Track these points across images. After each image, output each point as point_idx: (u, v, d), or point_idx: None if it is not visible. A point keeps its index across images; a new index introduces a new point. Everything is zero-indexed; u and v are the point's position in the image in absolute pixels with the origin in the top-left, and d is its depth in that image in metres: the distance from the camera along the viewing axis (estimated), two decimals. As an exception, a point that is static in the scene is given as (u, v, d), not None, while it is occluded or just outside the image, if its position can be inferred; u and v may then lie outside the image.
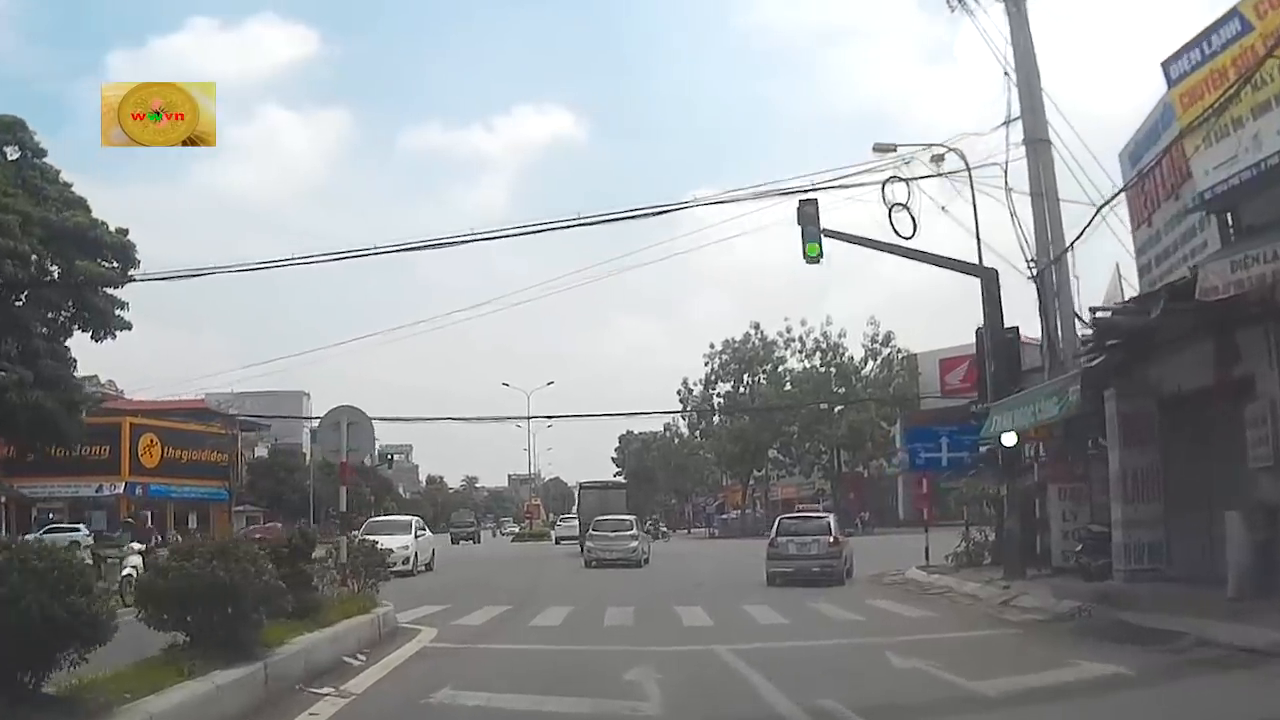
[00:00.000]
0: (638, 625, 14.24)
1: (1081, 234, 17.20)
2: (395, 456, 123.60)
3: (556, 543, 54.49)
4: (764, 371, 69.86)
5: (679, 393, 73.30)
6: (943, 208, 20.77)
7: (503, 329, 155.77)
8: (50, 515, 57.15)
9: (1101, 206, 16.14)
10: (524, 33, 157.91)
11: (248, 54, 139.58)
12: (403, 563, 23.91)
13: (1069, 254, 18.89)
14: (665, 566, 30.82)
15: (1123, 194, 16.49)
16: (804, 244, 19.15)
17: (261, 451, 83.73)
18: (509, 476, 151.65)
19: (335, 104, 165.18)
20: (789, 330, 68.70)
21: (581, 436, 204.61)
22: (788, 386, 67.77)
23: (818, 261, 19.03)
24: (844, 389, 65.70)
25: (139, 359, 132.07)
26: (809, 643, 12.03)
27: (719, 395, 72.40)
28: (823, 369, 67.34)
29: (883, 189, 19.89)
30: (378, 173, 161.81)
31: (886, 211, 19.75)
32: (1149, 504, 14.98)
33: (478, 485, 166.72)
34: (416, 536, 28.61)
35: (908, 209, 19.94)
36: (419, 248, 22.64)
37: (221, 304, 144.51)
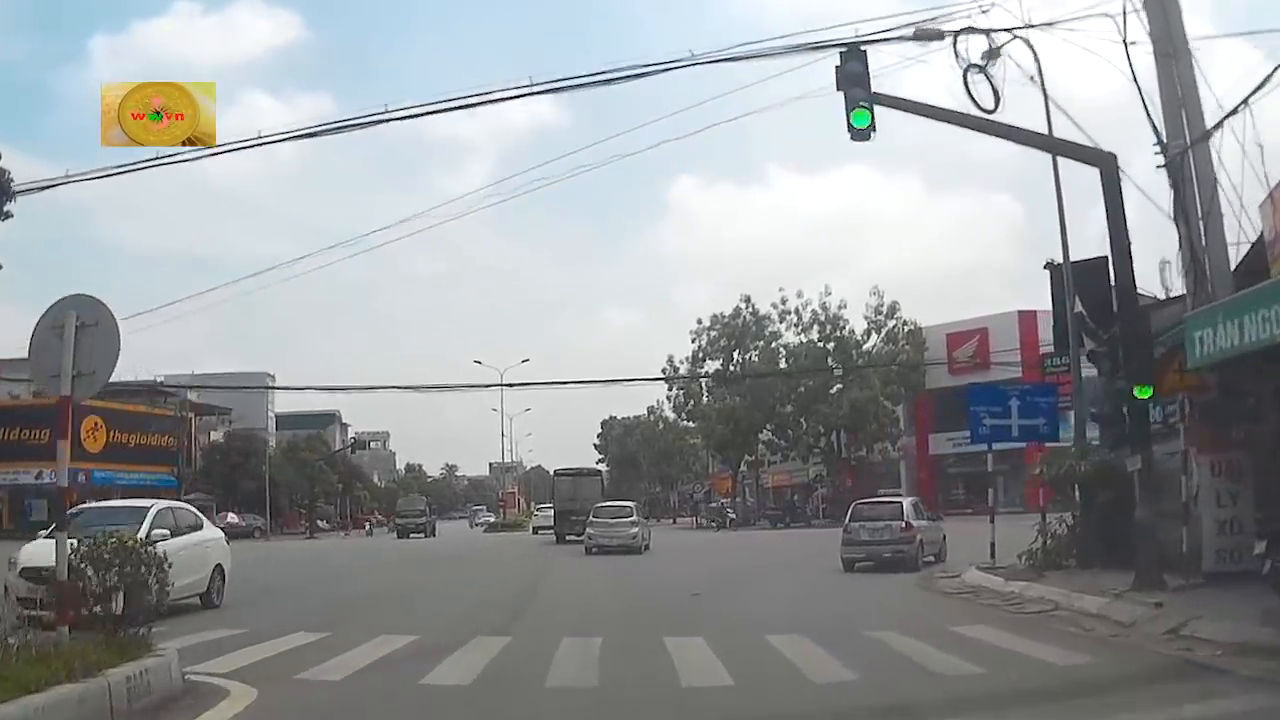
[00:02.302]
0: (604, 686, 8.31)
1: (1262, 85, 11.54)
2: (371, 443, 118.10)
3: (534, 532, 52.16)
4: (756, 348, 64.05)
5: (664, 371, 67.67)
6: (1031, 78, 15.22)
7: (493, 324, 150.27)
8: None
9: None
10: (507, 17, 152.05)
11: (230, 38, 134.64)
12: None
13: (1219, 133, 13.34)
14: (655, 562, 27.50)
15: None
16: (848, 111, 13.44)
17: (220, 437, 78.10)
18: (490, 465, 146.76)
19: (317, 88, 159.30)
20: (784, 302, 62.96)
21: (565, 425, 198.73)
22: (783, 363, 62.17)
23: (867, 136, 13.34)
24: (844, 364, 60.14)
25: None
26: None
27: (706, 375, 66.73)
28: (820, 343, 61.63)
29: (954, 43, 14.27)
30: (360, 158, 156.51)
31: (961, 74, 14.16)
32: None
33: (458, 474, 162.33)
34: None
35: (987, 74, 14.37)
36: (330, 130, 17.35)
37: (220, 304, 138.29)
